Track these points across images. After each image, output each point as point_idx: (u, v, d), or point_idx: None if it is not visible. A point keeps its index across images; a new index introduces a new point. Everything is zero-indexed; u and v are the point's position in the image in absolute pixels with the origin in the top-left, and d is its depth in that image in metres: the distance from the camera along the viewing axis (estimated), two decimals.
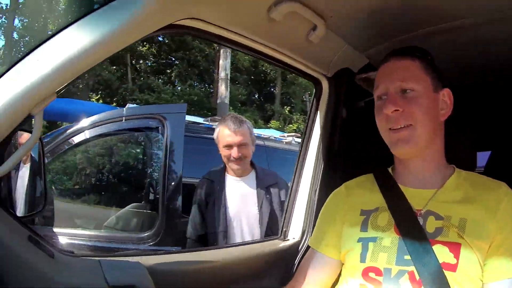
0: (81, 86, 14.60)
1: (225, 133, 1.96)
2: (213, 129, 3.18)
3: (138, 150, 2.70)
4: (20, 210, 1.23)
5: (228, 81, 11.70)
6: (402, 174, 1.02)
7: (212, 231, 1.95)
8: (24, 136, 1.30)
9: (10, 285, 0.79)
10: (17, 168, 1.28)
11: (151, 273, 1.01)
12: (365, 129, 1.24)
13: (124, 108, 2.56)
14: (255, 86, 20.08)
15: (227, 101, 11.57)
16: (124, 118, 2.43)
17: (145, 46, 16.48)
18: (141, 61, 16.99)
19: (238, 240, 1.97)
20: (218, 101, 11.84)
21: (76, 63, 0.80)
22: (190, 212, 2.05)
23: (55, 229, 2.19)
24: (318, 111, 1.45)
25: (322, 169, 1.43)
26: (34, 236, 0.86)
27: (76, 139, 2.38)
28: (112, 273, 0.93)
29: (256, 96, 20.96)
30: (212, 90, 15.56)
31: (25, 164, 1.30)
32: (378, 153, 1.09)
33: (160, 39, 16.46)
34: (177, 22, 0.94)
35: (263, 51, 1.17)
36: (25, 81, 0.77)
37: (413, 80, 0.94)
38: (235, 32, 1.05)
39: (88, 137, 2.40)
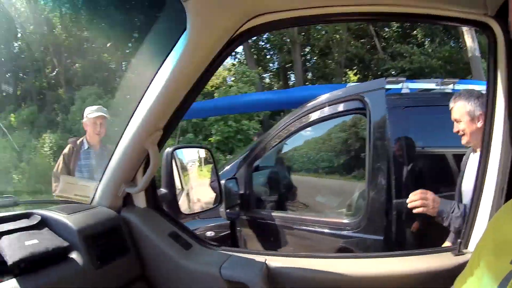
0: (333, 65, 15.56)
1: None
2: (445, 94, 2.69)
3: (343, 135, 2.62)
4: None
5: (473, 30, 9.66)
6: None
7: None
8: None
9: (150, 270, 1.07)
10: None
11: (272, 274, 1.06)
12: None
13: (323, 95, 2.54)
14: None
15: (477, 53, 10.45)
16: (326, 104, 2.44)
17: None
18: (386, 29, 16.33)
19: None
20: (469, 55, 10.91)
21: (167, 101, 0.99)
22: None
23: (275, 213, 2.50)
24: (498, 72, 0.98)
25: (511, 158, 0.97)
26: (177, 231, 1.12)
27: (285, 131, 2.58)
28: (230, 267, 1.05)
29: None
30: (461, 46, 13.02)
31: None
32: None
33: None
34: (244, 28, 0.93)
35: (374, 11, 0.99)
36: (138, 119, 1.03)
37: None
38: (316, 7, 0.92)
39: (295, 129, 2.54)
